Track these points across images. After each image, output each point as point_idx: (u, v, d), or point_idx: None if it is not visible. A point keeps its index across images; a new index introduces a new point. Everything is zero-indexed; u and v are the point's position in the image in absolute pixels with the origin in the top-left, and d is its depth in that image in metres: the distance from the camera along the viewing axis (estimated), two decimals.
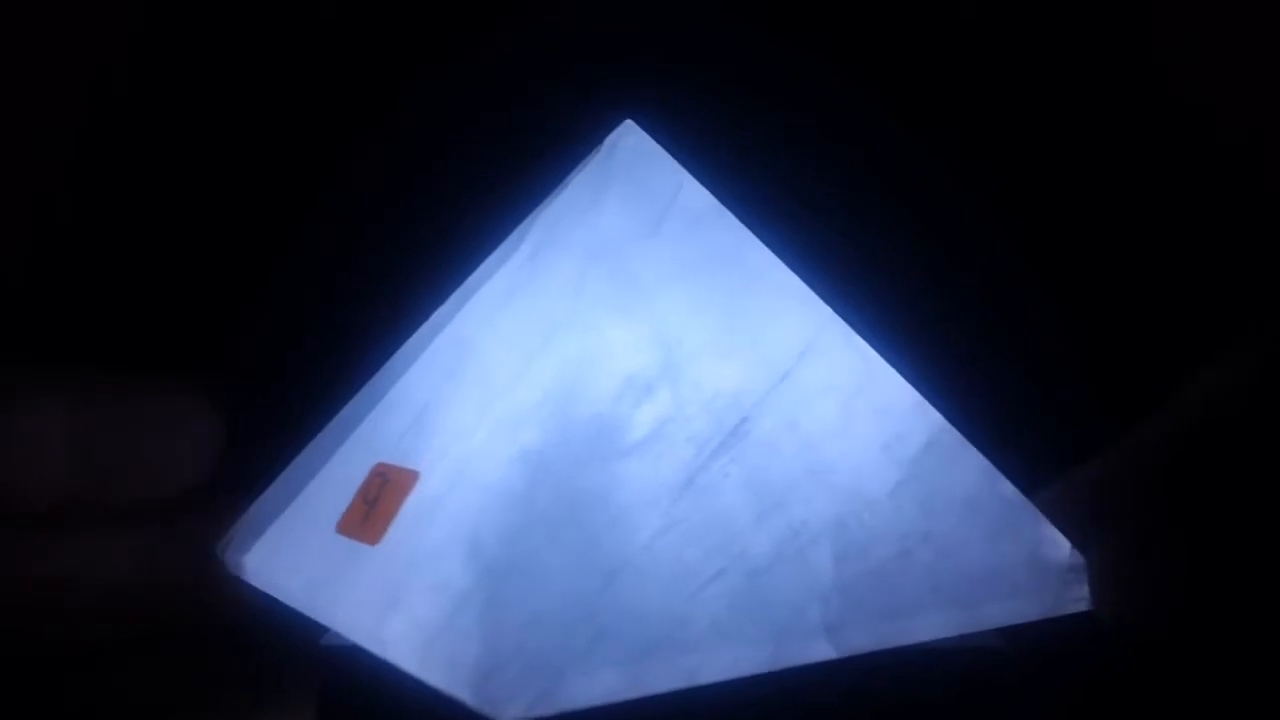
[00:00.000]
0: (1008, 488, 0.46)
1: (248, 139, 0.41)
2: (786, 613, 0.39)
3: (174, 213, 0.41)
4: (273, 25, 0.42)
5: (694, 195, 0.48)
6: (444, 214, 0.45)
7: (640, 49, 0.50)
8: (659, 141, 0.48)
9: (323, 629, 0.42)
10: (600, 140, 0.48)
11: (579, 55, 0.49)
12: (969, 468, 0.46)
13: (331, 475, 0.45)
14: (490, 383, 0.43)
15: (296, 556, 0.44)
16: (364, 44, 0.44)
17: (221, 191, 0.41)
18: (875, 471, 0.44)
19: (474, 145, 0.47)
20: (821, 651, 0.40)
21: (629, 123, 0.49)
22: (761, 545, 0.40)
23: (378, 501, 0.43)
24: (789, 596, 0.40)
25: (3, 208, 0.39)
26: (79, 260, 0.38)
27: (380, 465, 0.44)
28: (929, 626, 0.42)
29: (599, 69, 0.49)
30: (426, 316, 0.48)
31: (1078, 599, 0.46)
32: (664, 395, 0.42)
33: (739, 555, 0.40)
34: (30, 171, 0.40)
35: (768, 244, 0.48)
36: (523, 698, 0.35)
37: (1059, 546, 0.46)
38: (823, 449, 0.43)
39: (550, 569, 0.37)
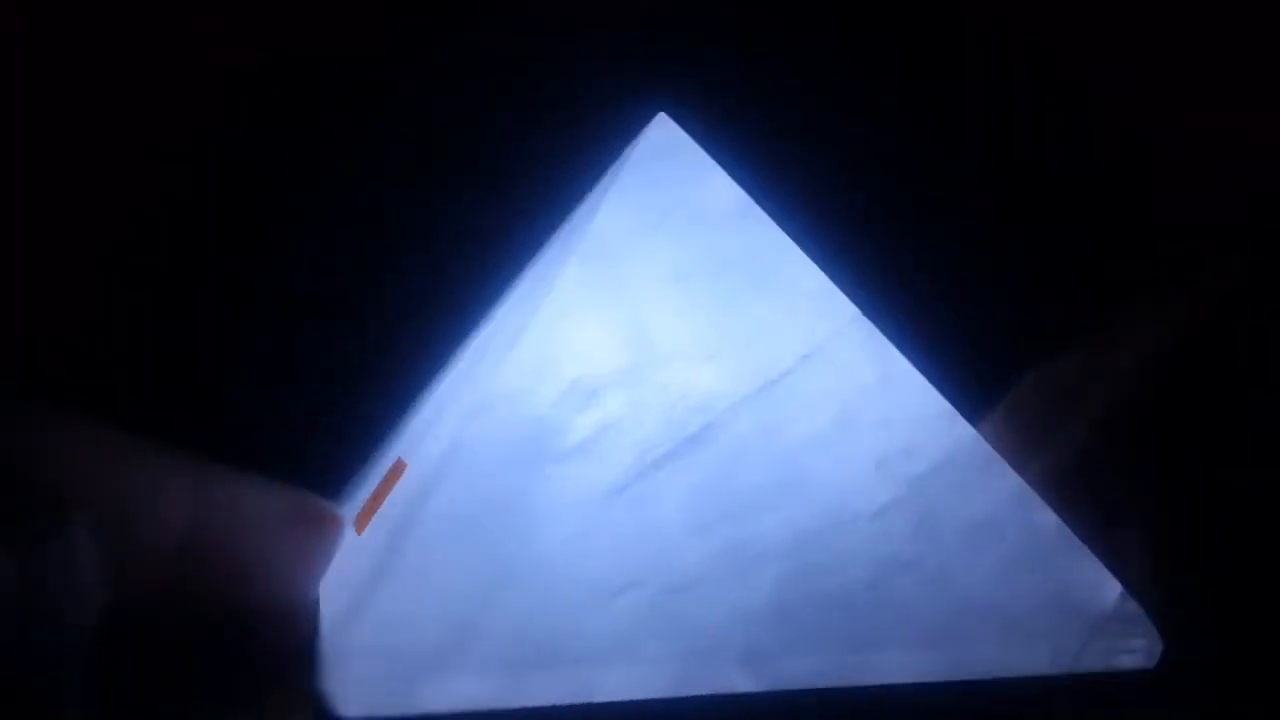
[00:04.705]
0: (1046, 517, 0.39)
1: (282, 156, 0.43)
2: (701, 635, 0.36)
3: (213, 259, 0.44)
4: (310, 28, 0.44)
5: (722, 191, 0.45)
6: (475, 217, 0.45)
7: (675, 40, 0.48)
8: (692, 135, 0.46)
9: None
10: (634, 134, 0.47)
11: (613, 46, 0.47)
12: (995, 490, 0.39)
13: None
14: (456, 381, 0.42)
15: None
16: (394, 41, 0.45)
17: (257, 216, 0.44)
18: (861, 489, 0.39)
19: (505, 140, 0.47)
20: (736, 681, 0.36)
21: (662, 116, 0.47)
22: (689, 560, 0.37)
23: (376, 493, 0.44)
24: (707, 618, 0.36)
25: (66, 257, 0.43)
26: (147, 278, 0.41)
27: (399, 458, 0.45)
28: (891, 666, 0.36)
29: (633, 61, 0.47)
30: (461, 324, 0.48)
31: (1119, 651, 0.37)
32: (614, 399, 0.39)
33: (658, 570, 0.36)
34: (95, 221, 0.43)
35: (799, 242, 0.44)
36: (365, 695, 0.34)
37: (1100, 590, 0.38)
38: (800, 461, 0.39)
39: (433, 568, 0.36)
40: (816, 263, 0.44)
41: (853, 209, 0.50)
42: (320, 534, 0.38)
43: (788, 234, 0.45)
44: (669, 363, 0.41)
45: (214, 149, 0.45)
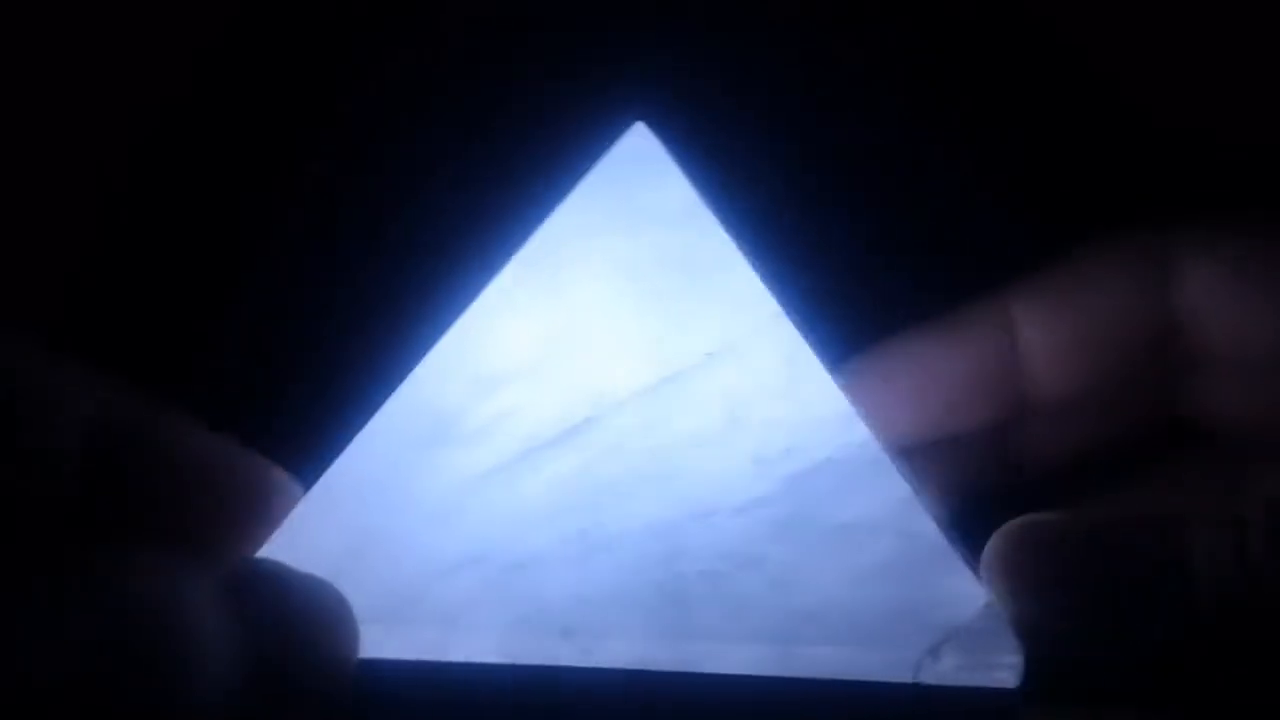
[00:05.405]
0: (925, 525, 0.37)
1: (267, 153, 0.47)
2: (529, 609, 0.36)
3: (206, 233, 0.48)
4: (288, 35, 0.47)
5: (680, 198, 0.46)
6: (444, 220, 0.48)
7: (658, 50, 0.49)
8: (668, 146, 0.47)
9: None
10: (610, 143, 0.48)
11: (596, 54, 0.49)
12: (876, 495, 0.38)
13: None
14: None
15: None
16: (374, 43, 0.48)
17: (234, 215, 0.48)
18: (730, 484, 0.38)
19: (479, 145, 0.49)
20: (558, 654, 0.36)
21: (639, 125, 0.48)
22: (536, 543, 0.38)
23: None
24: (538, 595, 0.37)
25: (69, 203, 0.46)
26: (141, 250, 0.45)
27: None
28: (713, 657, 0.35)
29: (615, 70, 0.49)
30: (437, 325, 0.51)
31: (977, 666, 0.35)
32: (516, 391, 0.41)
33: (506, 548, 0.37)
34: (97, 168, 0.45)
35: (754, 256, 0.45)
36: None
37: (967, 603, 0.35)
38: (676, 455, 0.39)
39: (303, 534, 0.38)
40: (769, 276, 0.44)
41: (821, 227, 0.50)
42: (265, 499, 0.38)
43: (742, 243, 0.45)
44: (575, 357, 0.43)
45: (191, 139, 0.48)
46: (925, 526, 0.37)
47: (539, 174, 0.49)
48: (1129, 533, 0.36)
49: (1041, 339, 0.42)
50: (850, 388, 0.42)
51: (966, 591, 0.36)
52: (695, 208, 0.45)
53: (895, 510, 0.37)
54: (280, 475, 0.39)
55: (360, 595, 0.38)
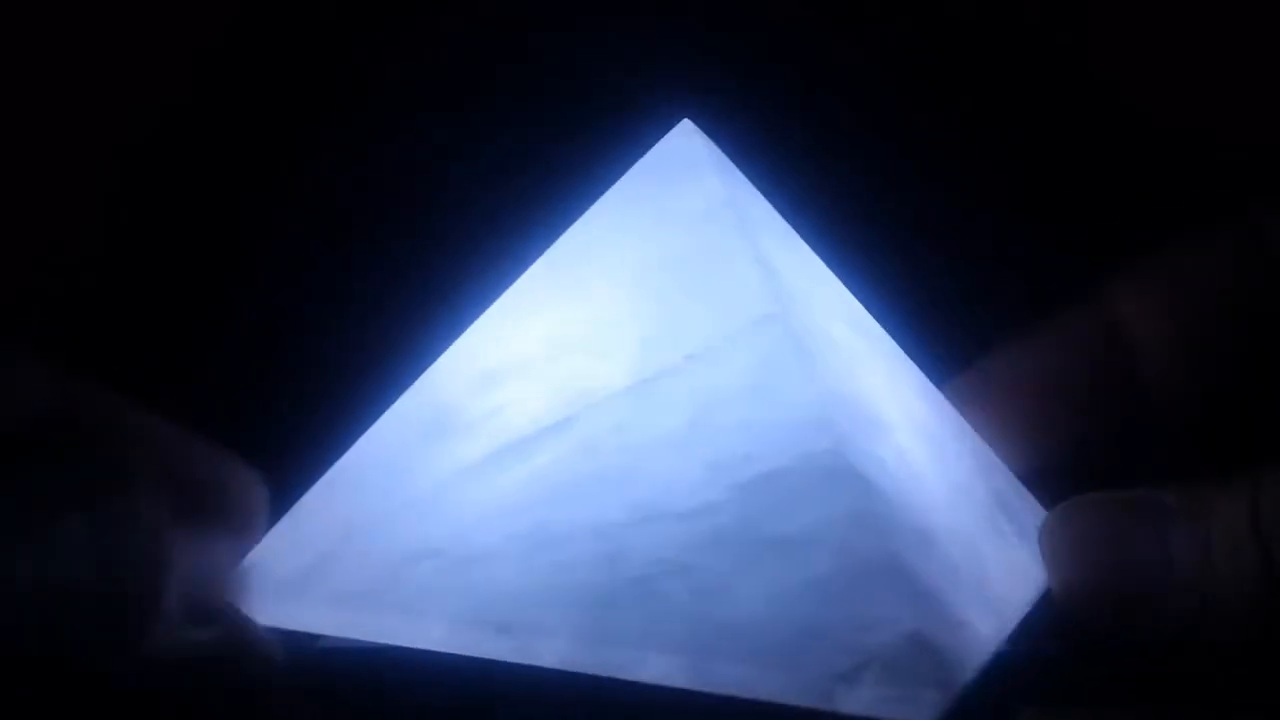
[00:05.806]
0: (869, 541, 0.35)
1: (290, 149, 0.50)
2: (470, 603, 0.37)
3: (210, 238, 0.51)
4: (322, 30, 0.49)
5: (713, 195, 0.45)
6: (478, 216, 0.50)
7: (707, 47, 0.49)
8: (717, 143, 0.47)
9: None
10: (658, 139, 0.48)
11: (643, 49, 0.49)
12: (827, 506, 0.36)
13: None
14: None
15: None
16: (415, 35, 0.49)
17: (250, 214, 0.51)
18: (679, 489, 0.37)
19: (523, 141, 0.50)
20: (491, 649, 0.36)
21: (686, 122, 0.48)
22: (492, 537, 0.38)
23: None
24: (481, 589, 0.37)
25: (70, 204, 0.47)
26: (142, 249, 0.47)
27: None
28: (635, 664, 0.35)
29: (663, 65, 0.49)
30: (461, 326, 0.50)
31: (895, 699, 0.32)
32: (509, 388, 0.42)
33: (464, 541, 0.38)
34: (96, 168, 0.47)
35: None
36: None
37: (894, 627, 0.33)
38: (635, 458, 0.38)
39: (311, 513, 0.41)
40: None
41: (874, 228, 0.47)
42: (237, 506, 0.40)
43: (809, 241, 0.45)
44: (567, 356, 0.43)
45: (192, 139, 0.50)
46: (868, 543, 0.35)
47: (578, 171, 0.50)
48: (1157, 518, 0.35)
49: (1154, 335, 0.40)
50: (959, 405, 0.41)
51: (896, 617, 0.34)
52: (722, 207, 0.45)
53: (839, 526, 0.36)
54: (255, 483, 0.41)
55: (344, 575, 0.40)
